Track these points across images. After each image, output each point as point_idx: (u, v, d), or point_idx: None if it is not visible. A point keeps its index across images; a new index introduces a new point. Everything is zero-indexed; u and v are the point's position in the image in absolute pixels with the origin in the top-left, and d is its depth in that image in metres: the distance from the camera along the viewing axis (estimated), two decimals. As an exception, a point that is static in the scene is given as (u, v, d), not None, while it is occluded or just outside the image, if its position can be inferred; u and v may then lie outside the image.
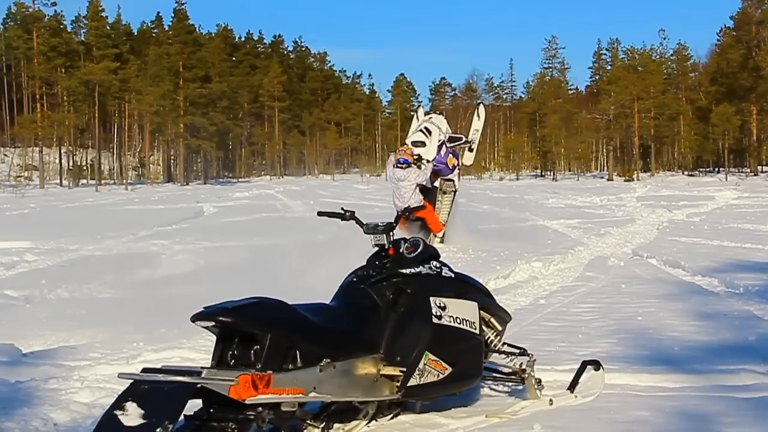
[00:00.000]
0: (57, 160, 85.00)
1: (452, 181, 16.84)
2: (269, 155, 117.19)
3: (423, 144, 16.10)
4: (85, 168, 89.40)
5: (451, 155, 16.60)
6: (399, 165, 15.58)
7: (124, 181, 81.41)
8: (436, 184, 16.58)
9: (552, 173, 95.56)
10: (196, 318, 4.15)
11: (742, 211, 26.92)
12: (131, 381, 3.89)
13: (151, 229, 21.25)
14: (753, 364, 6.22)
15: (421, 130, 16.43)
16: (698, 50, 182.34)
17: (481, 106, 19.30)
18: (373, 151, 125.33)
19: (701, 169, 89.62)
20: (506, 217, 25.91)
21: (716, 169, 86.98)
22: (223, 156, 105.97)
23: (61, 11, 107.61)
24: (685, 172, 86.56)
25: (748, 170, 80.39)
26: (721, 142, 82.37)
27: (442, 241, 16.03)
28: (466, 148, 17.85)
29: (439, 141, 16.27)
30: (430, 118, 17.21)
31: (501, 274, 11.99)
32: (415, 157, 15.81)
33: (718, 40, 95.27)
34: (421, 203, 14.97)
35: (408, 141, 16.54)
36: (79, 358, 6.80)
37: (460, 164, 17.37)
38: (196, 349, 6.86)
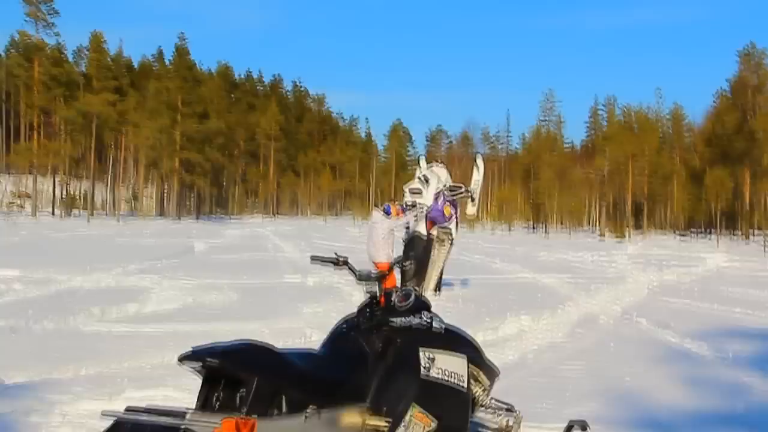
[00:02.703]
0: (50, 189, 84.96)
1: (449, 230, 16.81)
2: (262, 194, 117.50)
3: (419, 192, 16.18)
4: (77, 198, 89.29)
5: (448, 204, 16.60)
6: (383, 210, 15.39)
7: (116, 213, 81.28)
8: (433, 232, 16.53)
9: (544, 226, 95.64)
10: (183, 359, 4.10)
11: (733, 275, 26.97)
12: (114, 420, 3.84)
13: (142, 263, 21.20)
14: (740, 433, 6.19)
15: (419, 178, 16.53)
16: (694, 111, 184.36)
17: (479, 157, 19.23)
18: (367, 196, 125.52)
19: (693, 230, 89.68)
20: (497, 268, 25.90)
21: (708, 231, 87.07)
22: (217, 193, 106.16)
23: (63, 42, 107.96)
24: (677, 232, 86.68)
25: (740, 234, 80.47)
26: (714, 204, 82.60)
27: (436, 292, 16.02)
28: (468, 200, 17.84)
29: (437, 190, 16.32)
30: (431, 167, 17.25)
31: (490, 327, 11.96)
32: (410, 204, 15.86)
33: (714, 103, 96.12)
34: (389, 258, 14.37)
35: (405, 188, 16.60)
36: (62, 391, 6.73)
37: (458, 214, 17.35)
38: (180, 388, 6.80)
